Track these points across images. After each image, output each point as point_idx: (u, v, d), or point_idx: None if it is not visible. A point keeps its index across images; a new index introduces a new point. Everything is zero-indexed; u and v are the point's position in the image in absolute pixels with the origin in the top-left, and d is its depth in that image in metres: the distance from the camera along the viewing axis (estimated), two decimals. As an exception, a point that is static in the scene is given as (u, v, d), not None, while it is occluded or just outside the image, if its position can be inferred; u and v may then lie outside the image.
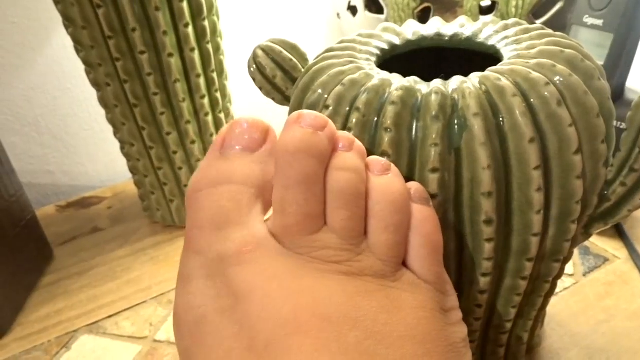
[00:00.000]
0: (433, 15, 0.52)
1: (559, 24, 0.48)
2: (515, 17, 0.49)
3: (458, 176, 0.22)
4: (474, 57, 0.29)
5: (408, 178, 0.23)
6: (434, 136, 0.22)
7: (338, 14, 0.61)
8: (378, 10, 0.55)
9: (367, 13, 0.56)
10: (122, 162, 0.49)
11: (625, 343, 0.33)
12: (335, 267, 0.19)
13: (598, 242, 0.42)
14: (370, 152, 0.23)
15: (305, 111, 0.21)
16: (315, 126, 0.20)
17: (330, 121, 0.21)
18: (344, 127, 0.24)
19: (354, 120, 0.23)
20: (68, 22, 0.41)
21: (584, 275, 0.39)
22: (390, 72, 0.26)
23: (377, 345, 0.17)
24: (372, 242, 0.20)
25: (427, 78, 0.25)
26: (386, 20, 0.54)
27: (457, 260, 0.25)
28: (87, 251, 0.49)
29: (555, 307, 0.36)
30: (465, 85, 0.23)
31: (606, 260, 0.40)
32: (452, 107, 0.22)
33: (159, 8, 0.39)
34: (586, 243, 0.42)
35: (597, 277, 0.39)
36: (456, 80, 0.23)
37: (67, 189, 0.60)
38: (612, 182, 0.25)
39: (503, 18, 0.50)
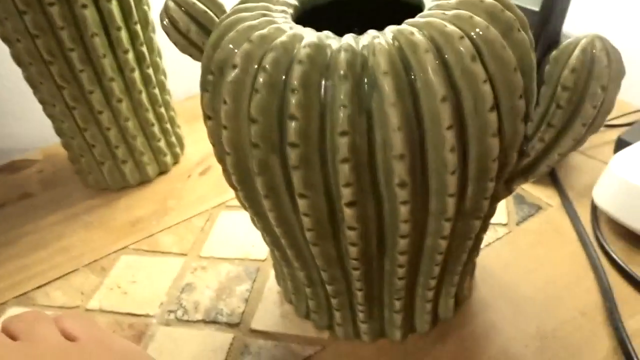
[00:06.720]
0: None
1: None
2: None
3: (370, 139, 0.21)
4: (403, 6, 0.28)
5: (319, 142, 0.22)
6: (342, 97, 0.21)
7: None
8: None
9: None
10: (52, 122, 0.46)
11: (550, 290, 0.34)
12: None
13: (532, 191, 0.43)
14: (280, 116, 0.22)
15: None
16: None
17: None
18: (252, 87, 0.22)
19: (261, 81, 0.22)
20: (-37, -30, 0.36)
21: (517, 224, 0.40)
22: (316, 25, 0.24)
23: None
24: None
25: (352, 31, 0.23)
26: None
27: (377, 223, 0.24)
28: (17, 218, 0.46)
29: (488, 257, 0.37)
30: (376, 41, 0.21)
31: (540, 208, 0.41)
32: (361, 65, 0.21)
33: (65, -46, 0.35)
34: (521, 192, 0.43)
35: (529, 226, 0.39)
36: (368, 36, 0.22)
37: (-5, 153, 0.57)
38: (532, 138, 0.24)
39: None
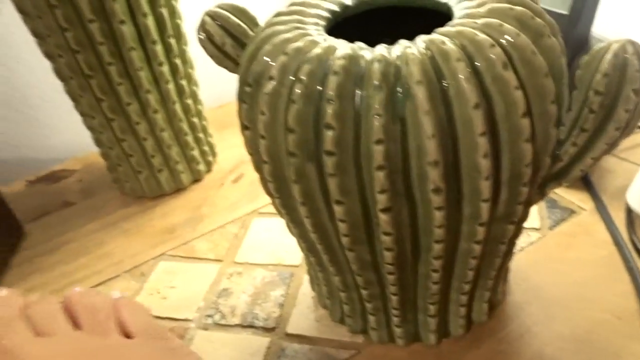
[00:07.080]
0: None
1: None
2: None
3: (404, 146, 0.22)
4: (431, 14, 0.28)
5: (355, 150, 0.22)
6: (377, 106, 0.21)
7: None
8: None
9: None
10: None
11: (585, 294, 0.34)
12: None
13: (565, 195, 0.42)
14: (316, 125, 0.22)
15: None
16: None
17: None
18: (289, 98, 0.23)
19: (297, 92, 0.22)
20: (10, -8, 0.39)
21: (550, 228, 0.39)
22: (347, 35, 0.25)
23: None
24: None
25: (383, 40, 0.24)
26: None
27: (411, 228, 0.25)
28: (59, 226, 0.48)
29: (521, 261, 0.37)
30: (409, 51, 0.22)
31: (572, 212, 0.41)
32: (395, 75, 0.21)
33: (105, -27, 0.37)
34: (553, 196, 0.42)
35: (562, 229, 0.39)
36: (400, 46, 0.22)
37: (36, 163, 0.59)
38: (564, 142, 0.25)
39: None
